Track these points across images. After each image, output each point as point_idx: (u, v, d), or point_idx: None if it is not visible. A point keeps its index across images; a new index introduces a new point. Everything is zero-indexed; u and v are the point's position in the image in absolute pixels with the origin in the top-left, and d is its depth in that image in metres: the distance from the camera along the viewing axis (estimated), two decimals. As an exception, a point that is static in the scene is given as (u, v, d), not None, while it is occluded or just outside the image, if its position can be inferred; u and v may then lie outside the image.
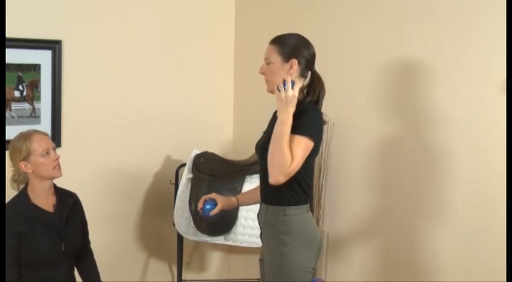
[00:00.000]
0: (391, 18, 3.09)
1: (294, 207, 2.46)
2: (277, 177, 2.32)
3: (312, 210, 2.55)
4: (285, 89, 2.37)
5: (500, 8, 2.61)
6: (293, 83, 2.38)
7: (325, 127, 2.53)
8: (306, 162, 2.44)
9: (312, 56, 2.50)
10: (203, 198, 2.69)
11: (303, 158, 2.36)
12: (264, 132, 2.60)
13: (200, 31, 3.83)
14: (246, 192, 2.90)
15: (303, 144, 2.35)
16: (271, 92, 2.49)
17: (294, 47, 2.45)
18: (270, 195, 2.50)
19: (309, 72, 2.50)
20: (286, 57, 2.45)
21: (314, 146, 2.43)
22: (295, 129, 2.36)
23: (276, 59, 2.46)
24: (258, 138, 2.59)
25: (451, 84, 2.84)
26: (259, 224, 2.60)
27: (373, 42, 3.17)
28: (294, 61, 2.44)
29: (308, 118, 2.40)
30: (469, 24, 2.77)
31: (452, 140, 2.84)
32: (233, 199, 2.73)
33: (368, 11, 3.19)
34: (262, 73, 2.52)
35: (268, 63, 2.49)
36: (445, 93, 2.86)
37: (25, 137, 2.70)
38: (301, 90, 2.47)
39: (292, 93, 2.36)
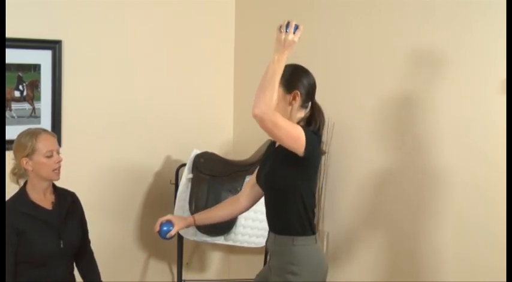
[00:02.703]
0: (391, 18, 3.09)
1: (302, 237, 2.44)
2: (263, 109, 2.23)
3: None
4: (286, 31, 2.30)
5: (500, 8, 2.61)
6: (296, 27, 2.31)
7: (325, 127, 2.53)
8: (308, 185, 2.45)
9: (313, 87, 2.48)
10: (159, 220, 2.66)
11: (287, 128, 2.30)
12: (262, 162, 2.59)
13: (200, 31, 3.83)
14: (204, 212, 2.84)
15: (296, 127, 2.33)
16: None
17: (295, 79, 2.42)
18: (277, 224, 2.50)
19: (310, 103, 2.48)
20: (288, 88, 2.41)
21: (310, 168, 2.43)
22: None
23: (278, 90, 2.39)
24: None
25: (451, 84, 2.84)
26: (267, 251, 2.59)
27: (372, 42, 3.17)
28: (297, 93, 2.42)
29: (308, 132, 2.37)
30: (469, 24, 2.77)
31: (452, 139, 2.84)
32: (189, 219, 2.69)
33: (368, 11, 3.19)
34: None
35: None
36: (444, 93, 2.86)
37: (32, 134, 2.70)
38: (302, 120, 2.46)
39: (292, 38, 2.29)
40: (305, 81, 2.45)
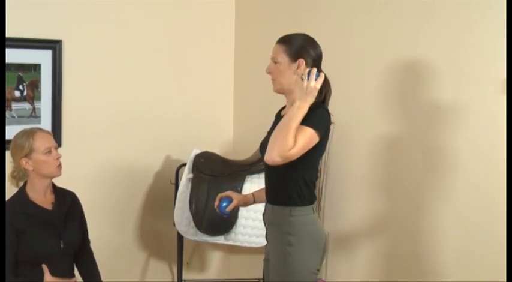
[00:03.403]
0: (391, 18, 3.09)
1: (300, 207, 2.46)
2: (274, 157, 2.31)
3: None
4: (308, 79, 2.37)
5: (500, 8, 2.61)
6: (317, 74, 2.38)
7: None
8: (312, 160, 2.46)
9: (319, 56, 2.50)
10: (219, 196, 2.71)
11: (304, 148, 2.35)
12: (268, 132, 2.60)
13: (200, 31, 3.83)
14: (262, 189, 2.88)
15: (308, 135, 2.35)
16: (278, 91, 2.50)
17: (301, 47, 2.44)
18: (276, 195, 2.51)
19: None
20: (294, 57, 2.44)
21: (320, 144, 2.44)
22: (303, 122, 2.36)
23: (283, 58, 2.46)
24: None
25: (451, 84, 2.84)
26: (265, 224, 2.61)
27: (372, 42, 3.17)
28: (302, 61, 2.44)
29: (316, 114, 2.40)
30: (469, 24, 2.77)
31: (452, 140, 2.84)
32: (249, 195, 2.76)
33: (368, 11, 3.19)
34: (269, 73, 2.51)
35: (275, 63, 2.49)
36: (445, 93, 2.86)
37: (28, 134, 2.71)
38: None
39: (314, 85, 2.36)
40: (311, 51, 2.46)
